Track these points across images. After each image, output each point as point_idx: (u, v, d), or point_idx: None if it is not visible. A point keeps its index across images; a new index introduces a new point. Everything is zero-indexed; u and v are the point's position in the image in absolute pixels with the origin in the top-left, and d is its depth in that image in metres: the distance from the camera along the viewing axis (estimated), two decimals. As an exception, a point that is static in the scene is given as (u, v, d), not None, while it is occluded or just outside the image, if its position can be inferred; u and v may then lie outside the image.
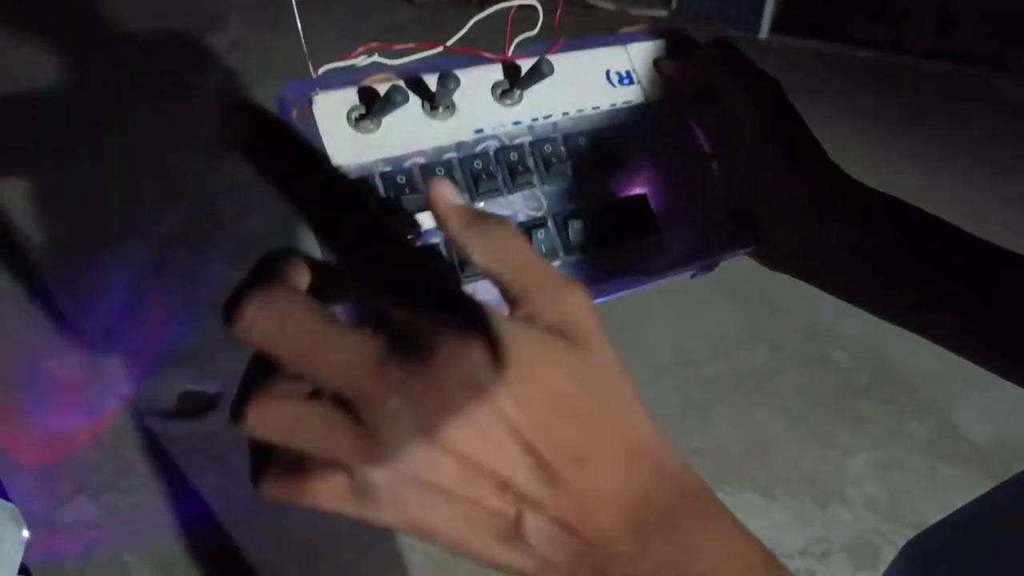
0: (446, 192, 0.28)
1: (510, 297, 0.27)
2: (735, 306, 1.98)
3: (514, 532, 0.24)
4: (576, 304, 0.26)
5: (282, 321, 0.23)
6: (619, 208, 0.41)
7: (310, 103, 0.37)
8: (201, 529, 1.36)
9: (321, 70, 0.37)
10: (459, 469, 0.23)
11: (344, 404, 0.23)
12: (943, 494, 1.63)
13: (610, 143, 0.42)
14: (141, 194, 2.03)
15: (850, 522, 1.54)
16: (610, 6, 4.09)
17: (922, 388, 1.89)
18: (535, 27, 0.41)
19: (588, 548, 0.24)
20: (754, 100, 0.42)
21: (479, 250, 0.27)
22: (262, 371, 0.25)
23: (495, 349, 0.23)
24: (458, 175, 0.38)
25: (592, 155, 0.41)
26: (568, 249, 0.39)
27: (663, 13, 4.12)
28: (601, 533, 0.24)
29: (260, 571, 1.31)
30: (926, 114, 3.33)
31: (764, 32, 4.09)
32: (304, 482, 0.25)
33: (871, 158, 2.79)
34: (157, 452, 1.46)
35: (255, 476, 0.26)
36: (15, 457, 1.41)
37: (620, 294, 0.40)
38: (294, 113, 0.36)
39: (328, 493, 0.25)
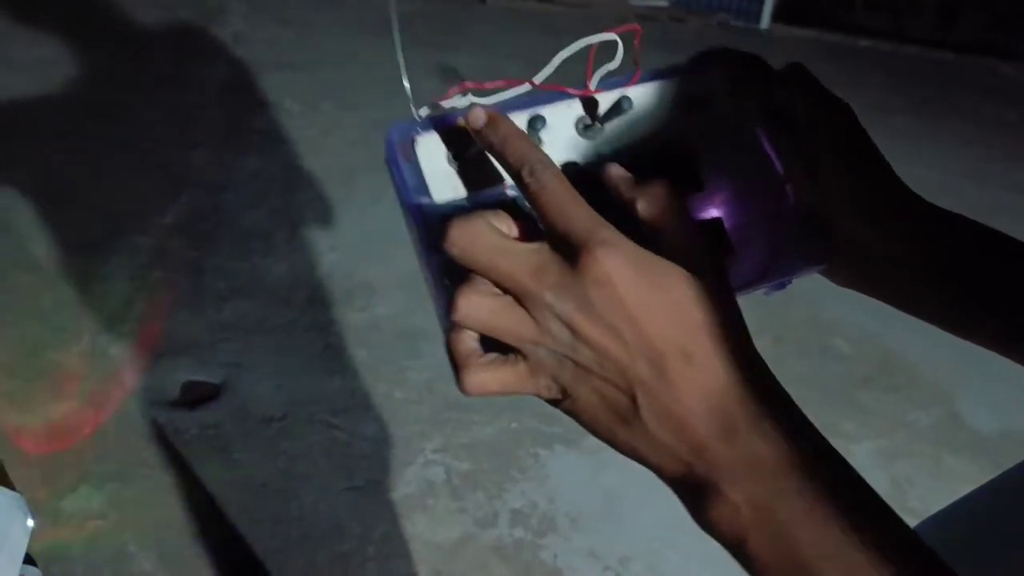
0: (474, 115, 0.37)
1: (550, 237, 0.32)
2: (737, 296, 1.97)
3: (632, 414, 0.30)
4: (688, 244, 0.33)
5: (473, 240, 0.31)
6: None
7: (413, 143, 0.39)
8: (205, 518, 1.36)
9: (422, 111, 0.40)
10: (592, 353, 0.30)
11: (519, 300, 0.31)
12: (947, 483, 1.63)
13: (687, 169, 0.43)
14: (145, 186, 2.03)
15: (853, 510, 1.54)
16: (611, -3, 4.08)
17: (926, 377, 1.89)
18: (615, 58, 0.42)
19: (688, 435, 0.30)
20: (827, 123, 0.44)
21: (530, 190, 0.34)
22: (456, 279, 0.33)
23: (623, 264, 0.30)
24: None
25: (671, 180, 0.42)
26: None
27: (663, 3, 4.11)
28: (699, 422, 0.30)
29: (264, 560, 1.32)
30: (928, 103, 3.32)
31: (765, 22, 4.07)
32: (495, 370, 0.32)
33: (874, 148, 2.79)
34: (161, 442, 1.47)
35: (457, 375, 0.32)
36: (20, 446, 1.42)
37: None
38: (400, 152, 0.39)
39: (512, 376, 0.31)
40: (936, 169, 2.67)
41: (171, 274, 1.82)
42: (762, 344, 1.57)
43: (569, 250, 0.30)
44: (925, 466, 1.67)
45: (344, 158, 2.32)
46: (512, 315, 0.31)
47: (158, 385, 1.57)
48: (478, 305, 0.31)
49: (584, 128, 0.42)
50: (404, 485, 1.47)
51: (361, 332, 1.78)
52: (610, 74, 0.43)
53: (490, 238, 0.32)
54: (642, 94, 0.44)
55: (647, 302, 0.30)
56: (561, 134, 0.42)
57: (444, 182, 0.39)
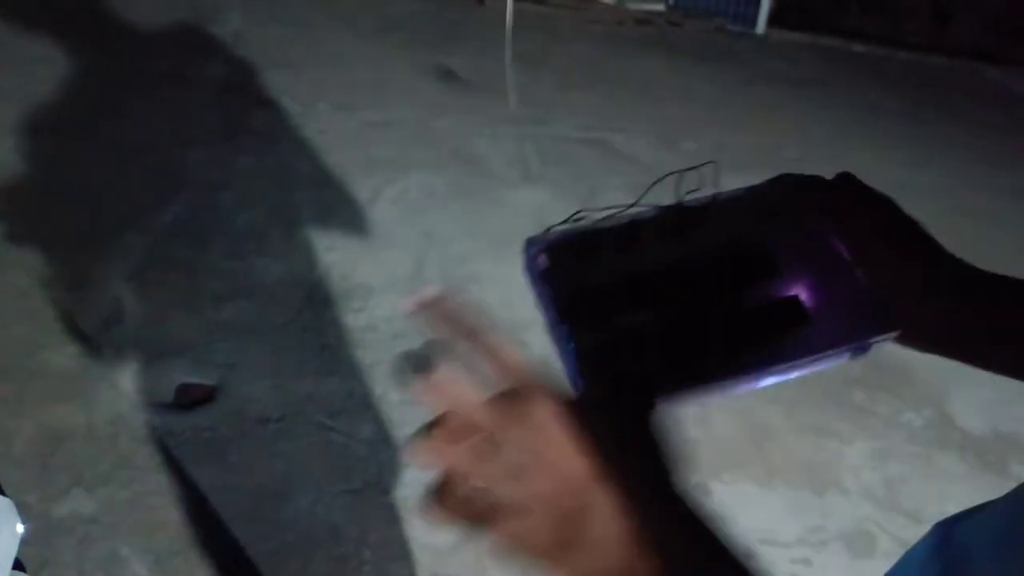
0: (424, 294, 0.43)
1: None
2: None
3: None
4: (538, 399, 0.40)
5: (441, 390, 0.38)
6: (778, 306, 0.51)
7: (540, 253, 0.50)
8: (200, 521, 1.36)
9: (552, 230, 0.50)
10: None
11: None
12: (939, 483, 1.64)
13: (767, 258, 0.52)
14: (142, 185, 2.02)
15: (847, 511, 1.55)
16: (609, 0, 4.08)
17: (918, 379, 1.90)
18: (697, 183, 0.53)
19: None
20: (875, 216, 0.52)
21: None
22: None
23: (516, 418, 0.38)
24: (643, 290, 0.50)
25: (752, 269, 0.52)
26: (741, 342, 0.49)
27: (660, 7, 4.11)
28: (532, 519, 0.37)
29: (259, 563, 1.31)
30: (921, 107, 3.33)
31: (761, 27, 4.08)
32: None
33: (866, 149, 2.80)
34: (155, 444, 1.46)
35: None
36: (11, 449, 1.41)
37: (787, 378, 0.49)
38: (536, 259, 0.50)
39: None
40: (929, 171, 2.69)
41: (167, 274, 1.81)
42: (759, 348, 1.50)
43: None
44: (917, 466, 1.68)
45: (340, 158, 2.32)
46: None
47: (153, 387, 1.57)
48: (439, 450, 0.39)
49: (674, 232, 0.51)
50: (401, 487, 1.47)
51: (358, 333, 1.77)
52: (692, 192, 0.52)
53: (451, 388, 0.39)
54: (722, 206, 0.53)
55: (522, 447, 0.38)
56: (655, 236, 0.51)
57: (565, 275, 0.49)
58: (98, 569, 1.27)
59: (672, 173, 0.52)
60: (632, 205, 0.52)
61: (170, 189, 2.04)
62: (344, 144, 2.39)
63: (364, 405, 1.62)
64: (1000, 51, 3.94)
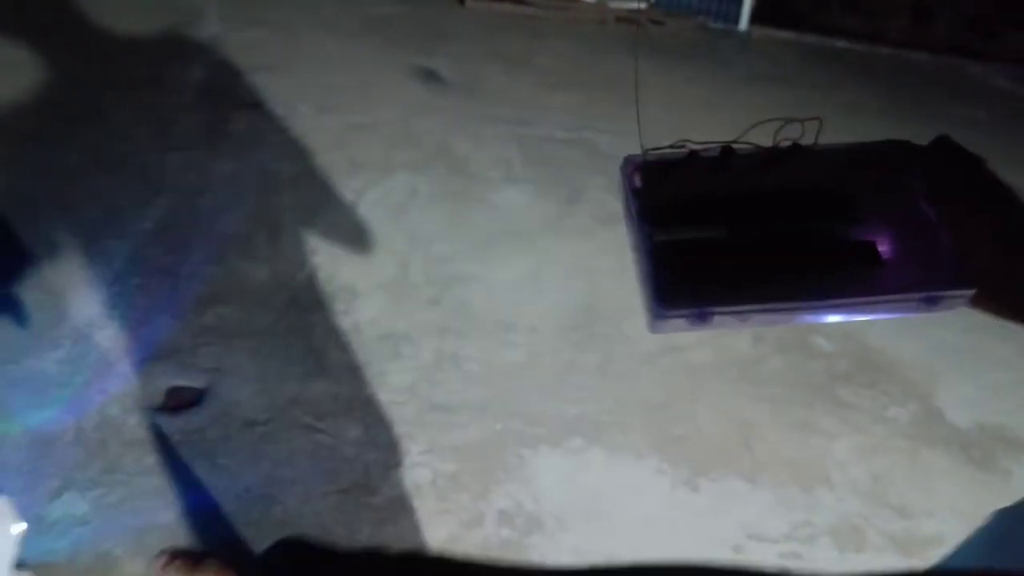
0: None
1: None
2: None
3: None
4: None
5: None
6: (852, 245, 0.52)
7: (637, 167, 0.51)
8: (192, 522, 1.35)
9: (650, 152, 0.52)
10: None
11: None
12: (925, 477, 1.66)
13: (850, 204, 0.53)
14: (121, 191, 2.01)
15: (834, 506, 1.56)
16: (590, -1, 4.09)
17: (904, 374, 1.92)
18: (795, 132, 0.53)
19: None
20: (968, 180, 0.52)
21: None
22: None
23: None
24: (726, 208, 0.51)
25: (833, 210, 0.53)
26: (812, 278, 0.50)
27: (642, 5, 4.13)
28: None
29: (252, 564, 1.31)
30: (903, 104, 3.37)
31: (743, 24, 4.11)
32: None
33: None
34: (144, 447, 1.46)
35: None
36: (1, 454, 1.40)
37: (849, 317, 0.50)
38: (631, 178, 0.51)
39: None
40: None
41: (150, 279, 1.80)
42: (743, 344, 1.59)
43: None
44: (903, 461, 1.69)
45: (323, 160, 2.31)
46: None
47: (140, 391, 1.56)
48: None
49: (764, 166, 0.53)
50: (390, 488, 1.47)
51: (343, 335, 1.77)
52: (789, 137, 0.53)
53: None
54: (815, 154, 0.54)
55: None
56: (748, 166, 0.53)
57: (656, 188, 0.51)
58: (92, 570, 1.26)
59: (774, 119, 0.53)
60: (733, 141, 0.53)
61: (149, 193, 2.03)
62: (327, 146, 2.39)
63: (351, 406, 1.62)
64: (981, 47, 3.99)
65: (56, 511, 1.34)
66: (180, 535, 1.34)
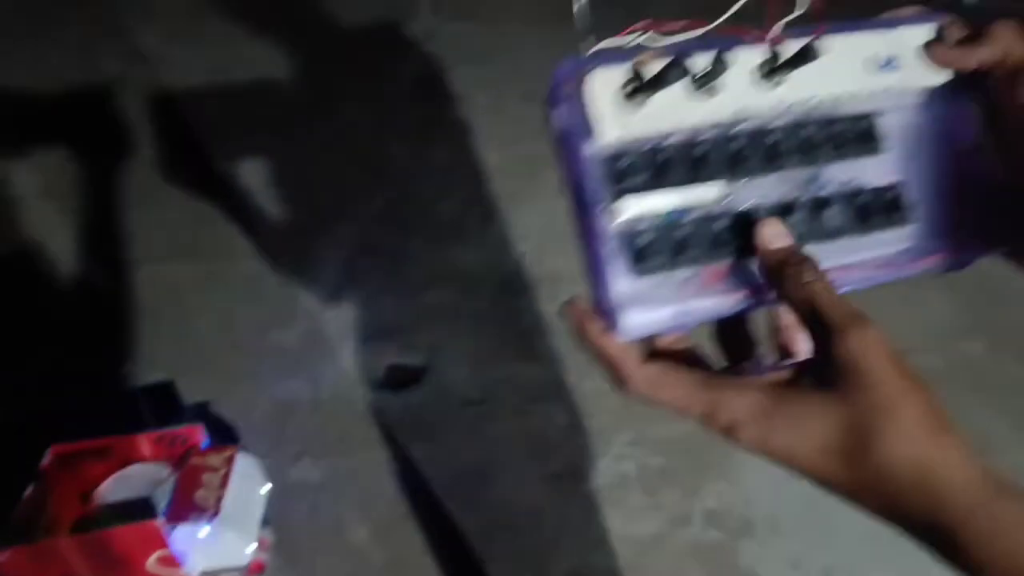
0: (767, 234, 0.38)
1: (810, 334, 0.36)
2: (951, 293, 1.81)
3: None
4: (855, 345, 0.34)
5: (656, 393, 0.40)
6: (872, 196, 0.41)
7: (582, 80, 0.38)
8: (413, 495, 1.44)
9: (595, 48, 0.38)
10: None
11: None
12: None
13: (868, 130, 0.41)
14: (350, 178, 2.16)
15: None
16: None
17: None
18: (799, 8, 0.40)
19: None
20: None
21: (787, 291, 0.37)
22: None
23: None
24: (718, 154, 0.39)
25: (850, 141, 0.41)
26: (818, 234, 0.40)
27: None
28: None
29: (469, 538, 1.37)
30: None
31: None
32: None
33: None
34: (371, 421, 1.57)
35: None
36: (252, 419, 1.56)
37: (867, 284, 0.40)
38: (564, 90, 0.38)
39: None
40: None
41: (375, 261, 1.93)
42: (977, 347, 1.44)
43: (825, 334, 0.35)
44: None
45: (528, 149, 2.35)
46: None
47: (366, 367, 1.68)
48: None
49: (765, 75, 0.40)
50: (597, 476, 1.48)
51: (550, 321, 1.80)
52: (793, 23, 0.40)
53: (666, 391, 0.39)
54: (827, 47, 0.40)
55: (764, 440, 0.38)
56: (741, 80, 0.40)
57: (611, 123, 0.38)
58: (326, 531, 1.38)
59: None
60: (713, 26, 0.39)
61: (376, 181, 2.16)
62: (531, 135, 2.42)
63: (558, 393, 1.64)
64: None
65: (295, 475, 1.48)
66: (403, 507, 1.43)
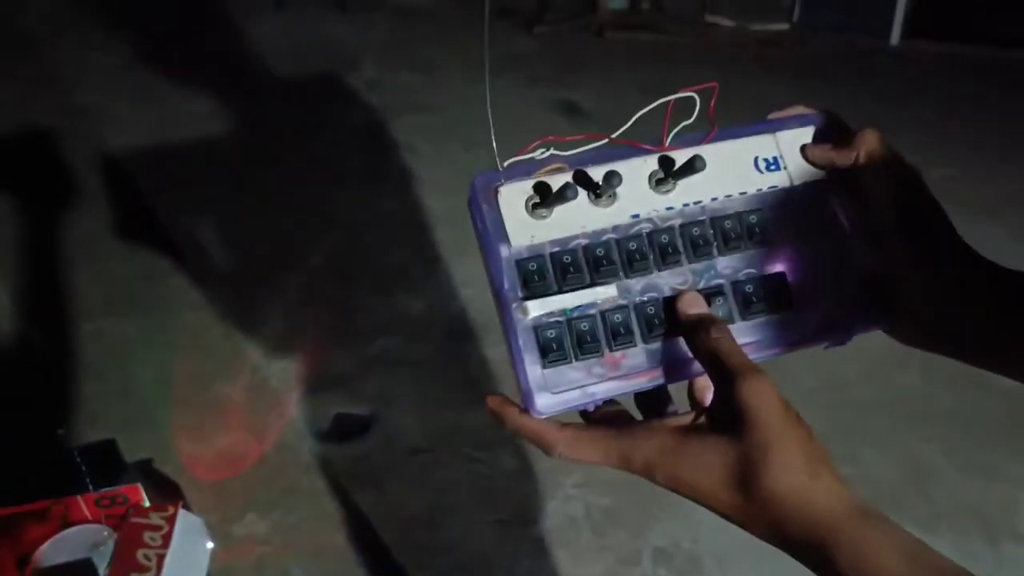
0: (686, 300, 0.44)
1: (713, 382, 0.41)
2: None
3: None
4: (747, 390, 0.39)
5: (575, 453, 0.42)
6: (759, 285, 0.45)
7: (496, 192, 0.43)
8: (362, 546, 1.43)
9: (507, 163, 0.43)
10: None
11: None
12: None
13: (754, 225, 0.46)
14: (294, 228, 2.18)
15: (1024, 561, 1.44)
16: (729, 23, 4.04)
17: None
18: (692, 115, 0.45)
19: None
20: (893, 187, 0.45)
21: (698, 344, 0.42)
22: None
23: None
24: (615, 255, 0.44)
25: (736, 236, 0.45)
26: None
27: (784, 27, 4.02)
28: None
29: (418, 588, 1.37)
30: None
31: (895, 38, 3.91)
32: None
33: (1012, 167, 2.62)
34: (317, 472, 1.56)
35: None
36: (195, 474, 1.54)
37: (756, 360, 0.44)
38: (482, 198, 0.43)
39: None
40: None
41: (321, 311, 1.94)
42: (909, 379, 1.52)
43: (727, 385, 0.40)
44: (1106, 514, 1.54)
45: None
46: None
47: (312, 417, 1.67)
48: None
49: (657, 183, 0.45)
50: (546, 519, 1.50)
51: (496, 366, 1.82)
52: (687, 129, 0.45)
53: (584, 450, 0.42)
54: (715, 151, 0.45)
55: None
56: (636, 187, 0.44)
57: (522, 229, 0.43)
58: (273, 589, 1.36)
59: (664, 100, 0.44)
60: (607, 141, 0.44)
61: (321, 230, 2.18)
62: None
63: (506, 438, 1.65)
64: None
65: (240, 530, 1.46)
66: (352, 558, 1.42)
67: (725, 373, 0.39)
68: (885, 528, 0.36)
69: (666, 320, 0.43)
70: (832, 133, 0.48)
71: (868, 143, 0.46)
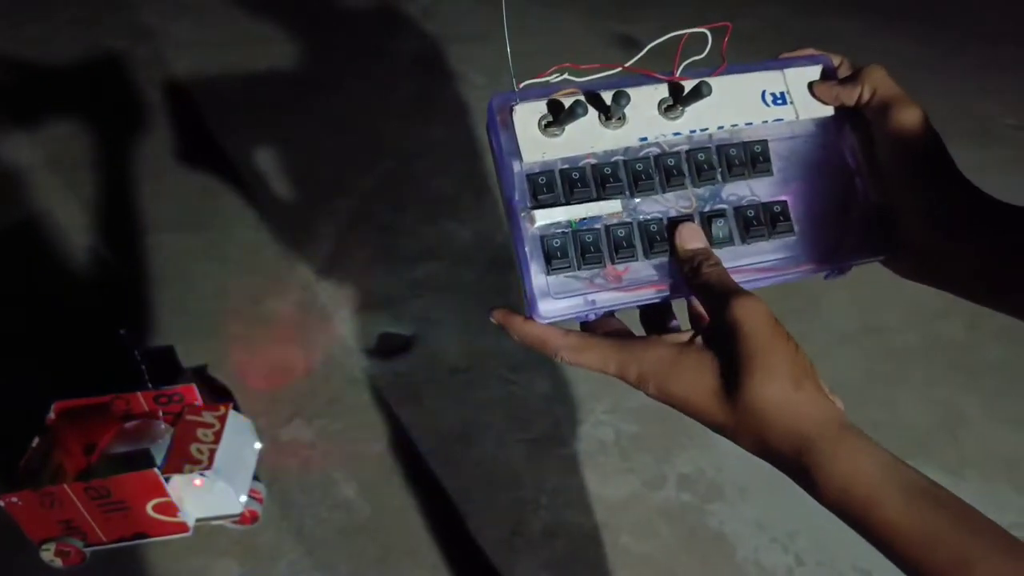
0: (684, 234, 0.46)
1: (706, 308, 0.44)
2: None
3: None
4: (737, 308, 0.41)
5: (578, 360, 0.45)
6: (761, 210, 0.47)
7: (511, 111, 0.45)
8: (399, 455, 1.51)
9: (522, 84, 0.45)
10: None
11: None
12: None
13: (759, 154, 0.47)
14: (347, 154, 2.22)
15: (1052, 510, 1.44)
16: None
17: None
18: (704, 51, 0.47)
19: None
20: (896, 121, 0.46)
21: (694, 275, 0.44)
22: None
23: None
24: (622, 174, 0.46)
25: (740, 164, 0.47)
26: (712, 243, 0.47)
27: None
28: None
29: (450, 495, 1.45)
30: None
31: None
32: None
33: None
34: (361, 385, 1.64)
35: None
36: (247, 382, 1.64)
37: (757, 285, 0.46)
38: (499, 118, 0.45)
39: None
40: None
41: (370, 234, 1.99)
42: (954, 327, 1.51)
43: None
44: None
45: (524, 128, 2.41)
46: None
47: (358, 335, 1.75)
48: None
49: (666, 109, 0.47)
50: (576, 442, 1.55)
51: (537, 295, 1.86)
52: (695, 63, 0.47)
53: (585, 357, 0.44)
54: (723, 83, 0.47)
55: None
56: (644, 112, 0.46)
57: (534, 146, 0.45)
58: (315, 488, 1.46)
59: (675, 34, 0.45)
60: (622, 69, 0.46)
61: (372, 156, 2.22)
62: (528, 114, 2.48)
63: (541, 363, 1.70)
64: None
65: (287, 434, 1.55)
66: (389, 466, 1.50)
67: (717, 297, 0.42)
68: (863, 441, 0.38)
69: (668, 240, 0.45)
70: (841, 71, 0.49)
71: (873, 78, 0.47)
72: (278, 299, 1.82)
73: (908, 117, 0.46)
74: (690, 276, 0.44)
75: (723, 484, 1.49)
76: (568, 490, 1.47)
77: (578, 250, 0.44)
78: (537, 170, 0.45)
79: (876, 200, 0.47)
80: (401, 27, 2.84)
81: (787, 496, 1.47)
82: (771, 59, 0.49)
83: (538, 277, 0.44)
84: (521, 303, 0.47)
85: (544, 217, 0.44)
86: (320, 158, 2.21)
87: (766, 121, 0.48)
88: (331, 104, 2.40)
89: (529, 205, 0.44)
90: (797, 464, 0.38)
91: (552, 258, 0.44)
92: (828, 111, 0.49)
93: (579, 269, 0.44)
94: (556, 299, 0.44)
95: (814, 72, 0.49)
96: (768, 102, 0.48)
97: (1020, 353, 1.75)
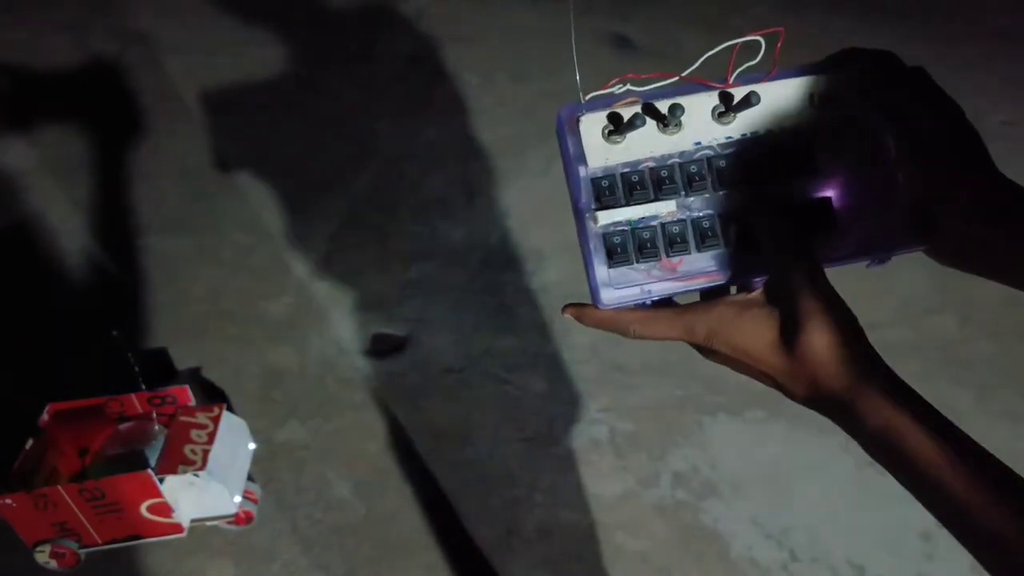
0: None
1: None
2: (922, 269, 1.88)
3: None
4: (799, 271, 0.46)
5: (644, 332, 0.50)
6: (807, 207, 0.51)
7: (578, 121, 0.50)
8: (393, 455, 1.51)
9: (588, 97, 0.50)
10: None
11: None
12: None
13: (806, 153, 0.51)
14: (338, 155, 2.22)
15: (1044, 503, 1.44)
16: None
17: None
18: (757, 57, 0.50)
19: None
20: (935, 119, 0.49)
21: (763, 229, 0.49)
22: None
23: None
24: (676, 175, 0.51)
25: (789, 164, 0.51)
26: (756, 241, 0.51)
27: None
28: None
29: (445, 494, 1.45)
30: None
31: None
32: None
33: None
34: (355, 386, 1.64)
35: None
36: (241, 383, 1.64)
37: None
38: (567, 127, 0.50)
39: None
40: None
41: (362, 236, 1.99)
42: (947, 322, 1.52)
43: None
44: None
45: (516, 129, 2.41)
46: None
47: (352, 336, 1.75)
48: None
49: (719, 115, 0.51)
50: (570, 440, 1.55)
51: (531, 294, 1.87)
52: (750, 69, 0.50)
53: (654, 327, 0.49)
54: (772, 89, 0.51)
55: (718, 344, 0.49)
56: (700, 119, 0.51)
57: (598, 153, 0.50)
58: (310, 488, 1.46)
59: (730, 43, 0.49)
60: (679, 78, 0.49)
61: (363, 158, 2.22)
62: (519, 115, 2.48)
63: (536, 362, 1.71)
64: None
65: (282, 435, 1.55)
66: (383, 466, 1.50)
67: (783, 257, 0.46)
68: (909, 393, 0.43)
69: (720, 235, 0.50)
70: (886, 71, 0.52)
71: (911, 80, 0.50)
72: (272, 300, 1.82)
73: (946, 112, 0.49)
74: (764, 225, 0.48)
75: (717, 481, 1.49)
76: (563, 489, 1.47)
77: (636, 246, 0.49)
78: (600, 174, 0.50)
79: (917, 193, 0.50)
80: (395, 28, 2.84)
81: (781, 493, 1.48)
82: (817, 63, 0.53)
83: (600, 270, 0.49)
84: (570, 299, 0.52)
85: (606, 217, 0.49)
86: (313, 159, 2.21)
87: (812, 122, 0.51)
88: (324, 105, 2.40)
89: (593, 207, 0.49)
90: (844, 399, 0.43)
91: (613, 253, 0.49)
92: (871, 109, 0.52)
93: (637, 262, 0.49)
94: (616, 289, 0.49)
95: (856, 73, 0.52)
96: (816, 104, 0.51)
97: (1012, 347, 1.76)
